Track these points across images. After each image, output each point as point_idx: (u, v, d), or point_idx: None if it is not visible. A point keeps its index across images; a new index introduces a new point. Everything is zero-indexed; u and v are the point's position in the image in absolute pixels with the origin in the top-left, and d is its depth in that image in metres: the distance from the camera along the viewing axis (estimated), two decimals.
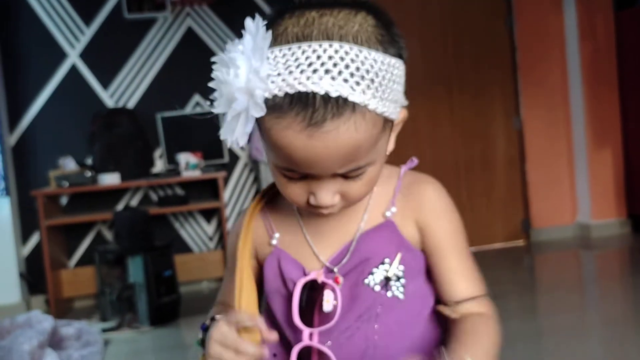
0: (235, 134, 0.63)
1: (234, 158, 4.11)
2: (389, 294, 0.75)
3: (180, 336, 3.18)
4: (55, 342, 2.77)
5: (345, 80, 0.59)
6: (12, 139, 3.83)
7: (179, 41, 4.04)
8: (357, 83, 0.60)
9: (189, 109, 4.05)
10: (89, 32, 3.94)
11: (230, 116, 0.63)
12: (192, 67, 4.05)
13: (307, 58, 0.60)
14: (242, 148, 4.04)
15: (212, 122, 3.94)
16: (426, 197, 0.78)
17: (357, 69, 0.60)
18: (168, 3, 3.93)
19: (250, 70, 0.60)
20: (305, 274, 0.77)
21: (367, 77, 0.61)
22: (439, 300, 0.80)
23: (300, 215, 0.80)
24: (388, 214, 0.77)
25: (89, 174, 3.65)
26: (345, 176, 0.67)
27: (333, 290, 0.74)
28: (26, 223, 3.80)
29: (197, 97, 4.07)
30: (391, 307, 0.76)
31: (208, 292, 3.99)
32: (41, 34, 3.88)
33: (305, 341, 0.75)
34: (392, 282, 0.75)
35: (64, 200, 3.91)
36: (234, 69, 0.61)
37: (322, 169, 0.64)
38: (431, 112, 4.35)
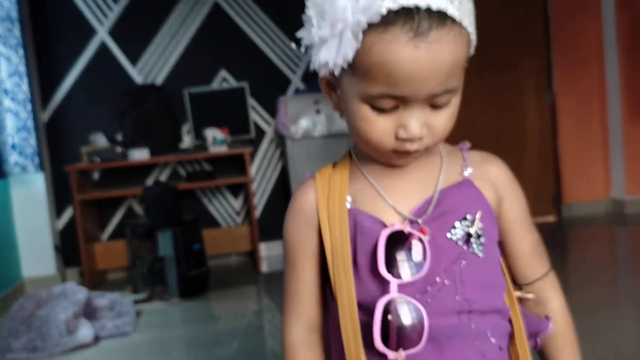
0: (341, 52, 0.65)
1: (260, 133, 4.13)
2: (470, 250, 0.75)
3: (209, 308, 3.24)
4: (89, 312, 2.87)
5: None
6: (45, 116, 3.91)
7: (205, 17, 4.04)
8: (451, 2, 0.65)
9: (215, 85, 4.07)
10: (117, 8, 3.97)
11: (333, 36, 0.65)
12: (218, 43, 4.05)
13: None
14: (272, 127, 4.04)
15: (238, 98, 3.96)
16: (500, 171, 0.80)
17: None
18: None
19: None
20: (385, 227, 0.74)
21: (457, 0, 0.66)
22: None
23: (369, 175, 0.78)
24: (466, 173, 0.78)
25: (119, 149, 3.71)
26: (434, 105, 0.69)
27: (420, 240, 0.72)
28: (60, 198, 3.90)
29: (223, 73, 4.08)
30: (474, 264, 0.74)
31: (236, 266, 4.05)
32: (71, 11, 3.92)
33: (394, 293, 0.70)
34: (472, 239, 0.75)
35: (95, 176, 3.99)
36: None
37: (423, 85, 0.65)
38: (463, 88, 4.27)
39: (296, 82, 4.14)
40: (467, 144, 0.83)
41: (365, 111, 0.69)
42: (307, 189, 0.80)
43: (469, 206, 0.75)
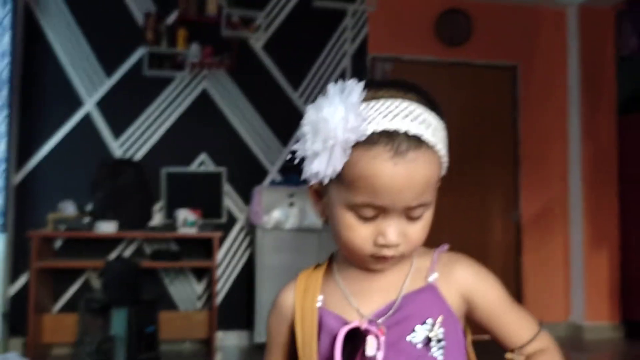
0: (330, 164, 0.73)
1: (232, 220, 4.13)
2: (429, 353, 0.78)
3: None
4: None
5: (420, 124, 0.74)
6: (18, 178, 3.88)
7: (193, 101, 4.16)
8: (427, 128, 0.75)
9: (194, 167, 4.12)
10: (109, 83, 4.07)
11: (324, 150, 0.74)
12: (202, 127, 4.15)
13: (389, 108, 0.74)
14: (246, 218, 4.06)
15: (214, 182, 4.00)
16: (465, 274, 0.84)
17: (424, 120, 0.75)
18: (187, 64, 4.08)
19: (349, 111, 0.73)
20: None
21: (431, 127, 0.76)
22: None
23: (341, 279, 0.85)
24: (430, 279, 0.82)
25: (86, 220, 3.67)
26: (409, 217, 0.76)
27: (376, 337, 0.76)
28: (17, 262, 3.78)
29: (203, 156, 4.14)
30: None
31: (188, 353, 3.91)
32: (62, 80, 4.00)
33: None
34: (432, 343, 0.78)
35: (58, 244, 3.91)
36: (334, 109, 0.73)
37: (400, 197, 0.73)
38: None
39: (273, 173, 4.21)
40: (446, 247, 0.88)
41: (349, 218, 0.76)
42: (289, 287, 0.88)
43: (430, 311, 0.79)
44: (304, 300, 0.84)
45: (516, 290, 4.52)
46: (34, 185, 3.90)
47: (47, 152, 3.95)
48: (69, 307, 3.84)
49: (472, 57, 4.58)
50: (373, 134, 0.73)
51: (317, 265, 0.90)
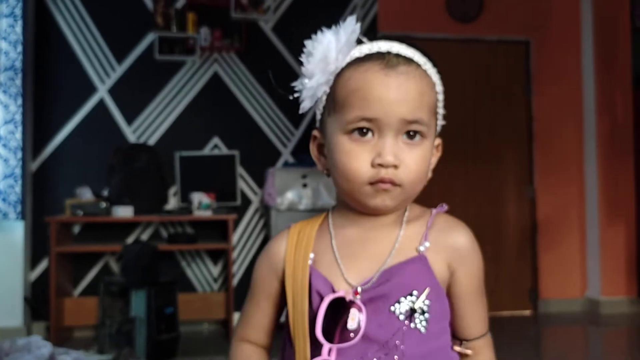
0: (326, 74, 0.79)
1: (246, 202, 4.16)
2: (412, 325, 0.78)
3: None
4: None
5: (410, 50, 0.79)
6: (34, 165, 3.93)
7: (204, 85, 4.17)
8: (418, 55, 0.79)
9: (207, 150, 4.14)
10: (120, 69, 4.09)
11: (320, 72, 0.79)
12: (214, 110, 4.16)
13: (381, 42, 0.80)
14: (255, 193, 4.08)
15: (228, 165, 4.02)
16: (460, 242, 0.83)
17: (416, 52, 0.80)
18: (198, 48, 4.08)
19: (341, 33, 0.79)
20: (333, 292, 0.80)
21: (423, 59, 0.80)
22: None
23: (334, 239, 0.84)
24: (422, 248, 0.81)
25: (103, 205, 3.71)
26: (406, 139, 0.77)
27: (360, 309, 0.76)
28: (37, 248, 3.85)
29: (216, 140, 4.16)
30: (412, 339, 0.78)
31: (207, 333, 3.97)
32: (74, 68, 4.03)
33: (324, 356, 0.76)
34: (416, 315, 0.78)
35: (76, 229, 3.97)
36: (327, 34, 0.80)
37: (393, 108, 0.74)
38: (445, 176, 4.39)
39: (286, 155, 4.23)
40: (444, 207, 0.86)
41: (346, 143, 0.77)
42: (281, 238, 0.89)
43: (417, 282, 0.79)
44: (295, 255, 0.84)
45: (532, 266, 4.52)
46: (51, 172, 3.96)
47: (62, 139, 3.99)
48: (89, 291, 3.91)
49: (484, 33, 4.53)
50: (365, 55, 0.78)
51: (311, 219, 0.89)
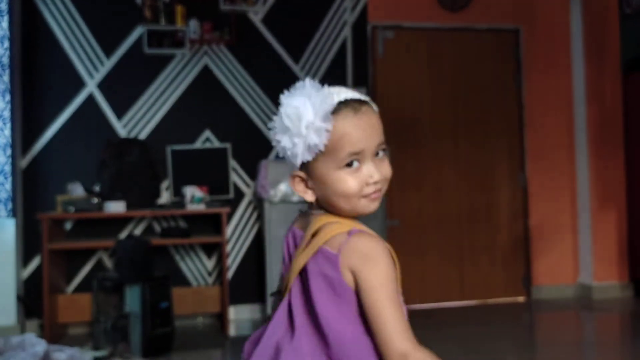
0: (322, 135, 0.95)
1: (239, 195, 4.15)
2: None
3: None
4: None
5: (362, 96, 1.01)
6: (24, 162, 3.90)
7: (194, 78, 4.14)
8: (367, 99, 1.02)
9: (199, 144, 4.12)
10: (109, 63, 4.05)
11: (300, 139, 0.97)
12: (205, 104, 4.14)
13: (342, 91, 1.00)
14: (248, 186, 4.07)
15: (220, 158, 4.01)
16: (357, 246, 0.94)
17: (363, 96, 1.02)
18: (187, 41, 4.05)
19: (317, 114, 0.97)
20: None
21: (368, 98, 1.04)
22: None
23: None
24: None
25: (95, 200, 3.69)
26: (377, 159, 0.99)
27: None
28: (29, 246, 3.82)
29: (207, 133, 4.14)
30: None
31: (202, 327, 3.97)
32: (63, 63, 3.99)
33: None
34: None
35: (68, 225, 3.94)
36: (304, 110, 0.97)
37: (369, 140, 0.97)
38: (437, 164, 4.40)
39: None
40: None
41: (342, 175, 0.97)
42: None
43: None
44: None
45: (524, 253, 4.54)
46: (41, 168, 3.92)
47: (52, 135, 3.96)
48: (83, 287, 3.89)
49: (473, 21, 4.53)
50: (338, 105, 0.98)
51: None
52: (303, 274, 0.95)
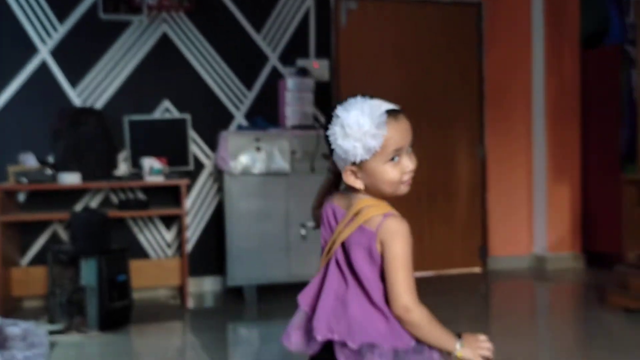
0: (378, 140, 1.22)
1: (199, 166, 4.10)
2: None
3: (129, 343, 3.12)
4: None
5: (396, 106, 1.29)
6: None
7: (152, 45, 4.03)
8: (400, 109, 1.30)
9: (157, 114, 4.03)
10: (62, 29, 3.90)
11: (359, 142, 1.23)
12: (163, 73, 4.04)
13: (382, 104, 1.28)
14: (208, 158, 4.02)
15: (179, 129, 3.93)
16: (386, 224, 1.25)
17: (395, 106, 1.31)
18: (144, 7, 3.92)
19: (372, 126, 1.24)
20: None
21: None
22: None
23: None
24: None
25: (49, 171, 3.59)
26: (409, 153, 1.27)
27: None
28: None
29: (166, 103, 4.05)
30: None
31: (163, 300, 3.94)
32: (13, 28, 3.82)
33: None
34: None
35: (21, 197, 3.83)
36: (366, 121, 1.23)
37: (406, 139, 1.25)
38: None
39: (239, 118, 4.16)
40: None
41: (388, 167, 1.24)
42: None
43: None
44: None
45: (481, 225, 4.64)
46: None
47: (2, 104, 3.81)
48: (37, 260, 3.81)
49: None
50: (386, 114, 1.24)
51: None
52: (345, 242, 1.25)
